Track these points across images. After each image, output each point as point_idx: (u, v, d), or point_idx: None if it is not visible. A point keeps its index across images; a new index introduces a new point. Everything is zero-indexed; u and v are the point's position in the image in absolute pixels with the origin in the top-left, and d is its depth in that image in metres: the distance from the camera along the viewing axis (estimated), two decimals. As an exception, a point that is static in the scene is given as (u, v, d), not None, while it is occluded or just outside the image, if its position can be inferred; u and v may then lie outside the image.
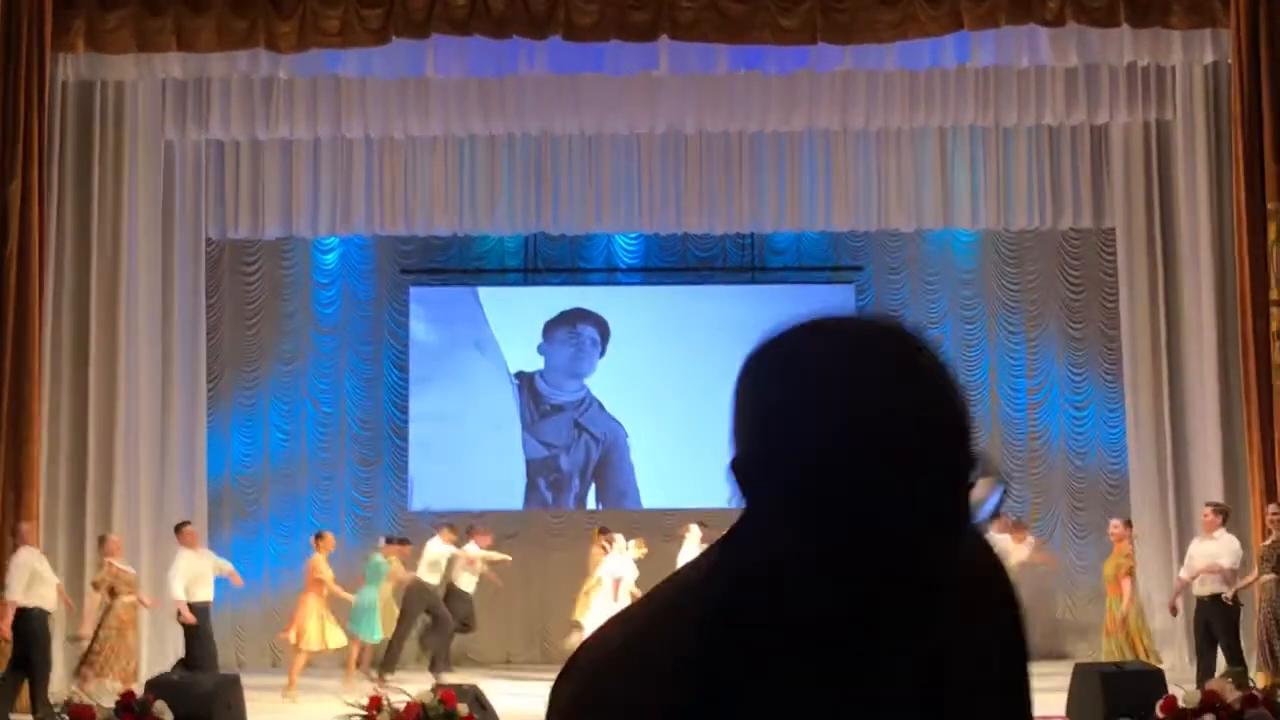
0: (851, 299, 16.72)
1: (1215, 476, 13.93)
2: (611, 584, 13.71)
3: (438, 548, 14.58)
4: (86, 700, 10.84)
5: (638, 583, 14.29)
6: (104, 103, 14.15)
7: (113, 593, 12.51)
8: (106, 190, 14.17)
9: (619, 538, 14.14)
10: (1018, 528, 14.31)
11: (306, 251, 16.84)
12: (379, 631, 14.34)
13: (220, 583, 15.35)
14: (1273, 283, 12.88)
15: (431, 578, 14.51)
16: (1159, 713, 10.19)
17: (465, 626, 14.88)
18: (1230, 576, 12.32)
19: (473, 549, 14.75)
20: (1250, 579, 12.12)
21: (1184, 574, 12.57)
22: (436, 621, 14.55)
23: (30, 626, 12.12)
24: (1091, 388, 16.56)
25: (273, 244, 16.50)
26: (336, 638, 13.91)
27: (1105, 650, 12.46)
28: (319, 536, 14.11)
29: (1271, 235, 12.89)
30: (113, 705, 10.63)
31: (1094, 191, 15.45)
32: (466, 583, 14.81)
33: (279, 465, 16.69)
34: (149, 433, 14.55)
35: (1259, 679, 11.03)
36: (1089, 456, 16.52)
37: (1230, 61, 13.21)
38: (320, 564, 13.86)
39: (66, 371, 13.93)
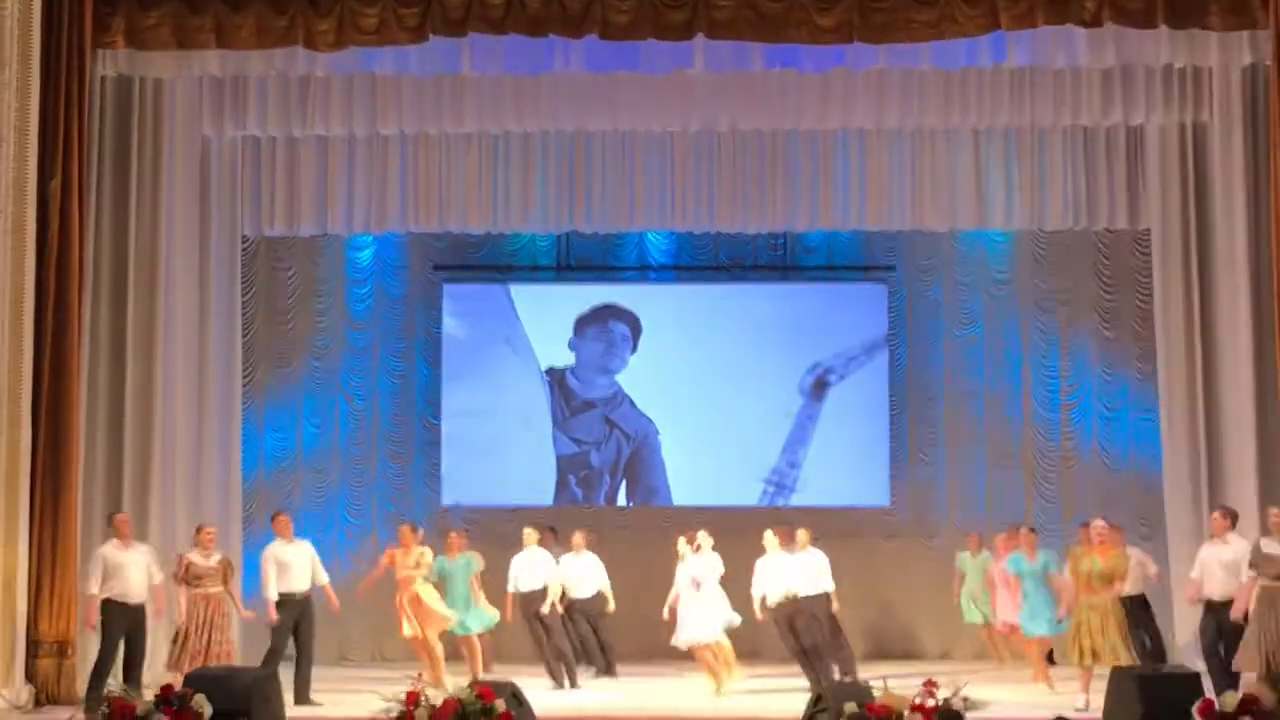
0: (884, 299, 16.72)
1: (1250, 479, 13.89)
2: (691, 584, 13.69)
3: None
4: (124, 694, 10.91)
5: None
6: (143, 99, 14.21)
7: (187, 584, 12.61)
8: (145, 186, 14.24)
9: (701, 536, 14.04)
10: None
11: (340, 248, 16.91)
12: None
13: (251, 579, 15.47)
14: (1309, 284, 12.83)
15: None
16: (1196, 716, 10.17)
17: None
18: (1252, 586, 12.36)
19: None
20: (1245, 589, 12.09)
21: (1204, 585, 12.51)
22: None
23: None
24: (1125, 390, 16.52)
25: (307, 241, 16.57)
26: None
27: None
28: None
29: (1308, 237, 12.83)
30: (152, 699, 10.69)
31: (1129, 193, 15.40)
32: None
33: (312, 460, 16.78)
34: (185, 427, 14.63)
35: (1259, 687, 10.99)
36: (1122, 459, 16.48)
37: (1269, 63, 13.14)
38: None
39: (104, 366, 14.02)
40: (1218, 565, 12.37)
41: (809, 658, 13.73)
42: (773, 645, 15.02)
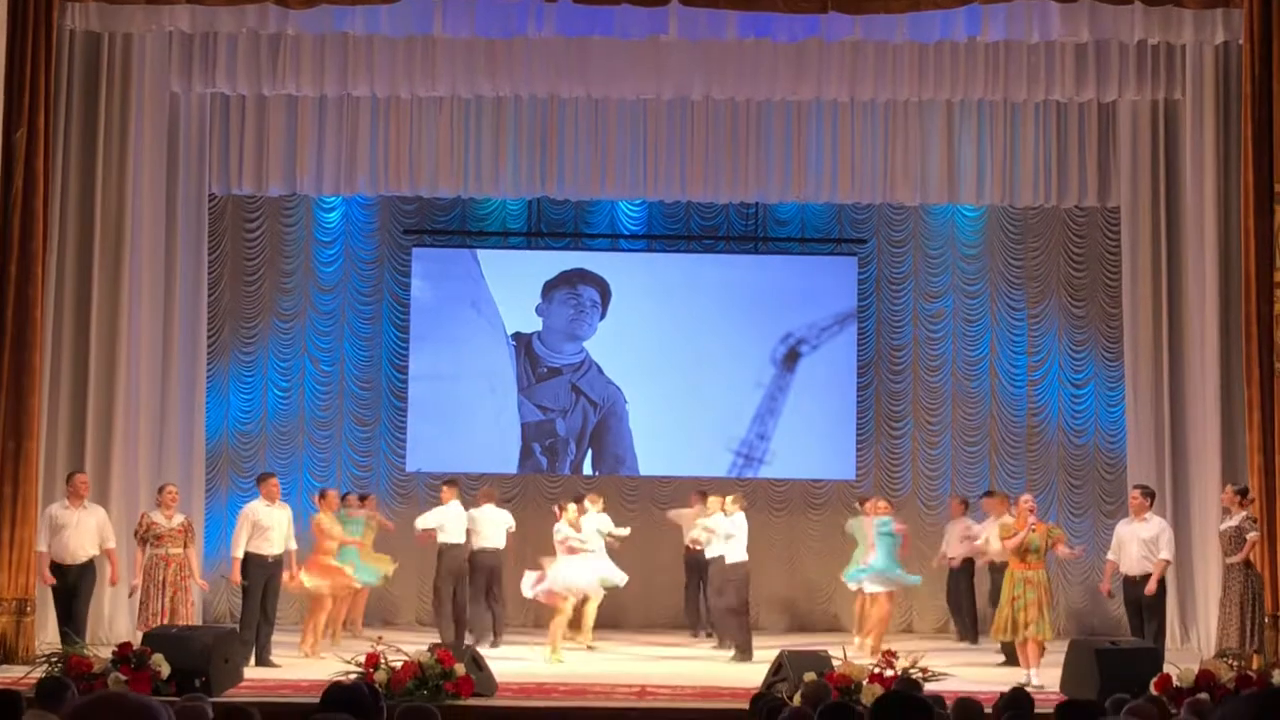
0: (855, 272, 16.71)
1: (1214, 457, 13.97)
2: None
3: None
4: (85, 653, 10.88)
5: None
6: (111, 53, 14.11)
7: (146, 543, 12.55)
8: (112, 142, 14.13)
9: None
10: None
11: (309, 209, 16.80)
12: None
13: (212, 541, 15.44)
14: (1277, 264, 12.86)
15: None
16: (1153, 690, 10.24)
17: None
18: (1164, 567, 12.69)
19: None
20: (1160, 566, 12.49)
21: (1121, 560, 12.70)
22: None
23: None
24: (1092, 366, 16.58)
25: (275, 201, 16.47)
26: None
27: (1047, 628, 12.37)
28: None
29: (1278, 217, 12.86)
30: (109, 657, 10.66)
31: (1100, 170, 15.45)
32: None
33: (277, 423, 16.69)
34: (149, 387, 14.55)
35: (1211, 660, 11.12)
36: (1087, 435, 16.55)
37: (1241, 42, 13.16)
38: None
39: (69, 322, 13.94)
40: (1135, 543, 12.59)
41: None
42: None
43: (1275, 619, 12.30)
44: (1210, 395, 14.11)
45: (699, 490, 15.29)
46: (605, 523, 14.60)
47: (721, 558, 13.95)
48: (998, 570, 13.57)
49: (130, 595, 12.72)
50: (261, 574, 12.98)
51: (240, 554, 12.94)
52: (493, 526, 14.37)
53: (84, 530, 12.49)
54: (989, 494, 14.95)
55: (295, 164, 15.38)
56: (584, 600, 14.18)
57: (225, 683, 10.81)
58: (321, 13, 13.25)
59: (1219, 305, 14.06)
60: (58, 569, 12.40)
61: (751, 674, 11.81)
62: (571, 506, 14.07)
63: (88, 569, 12.49)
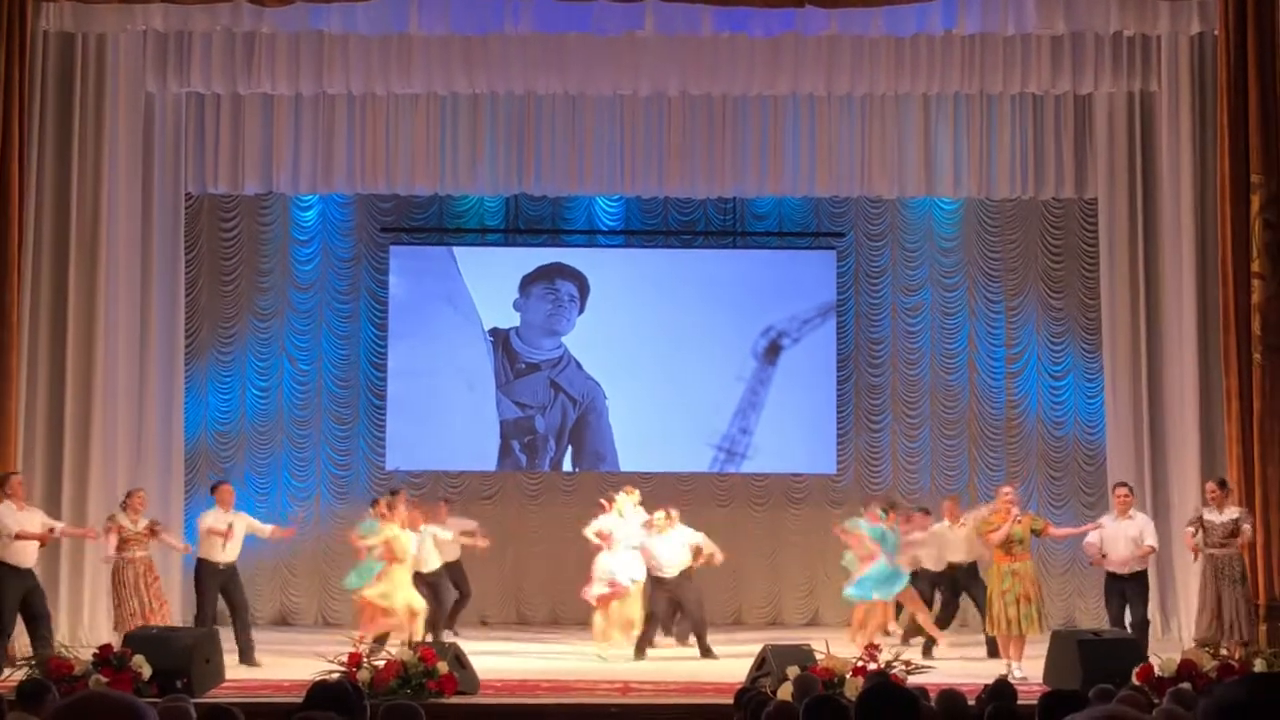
0: (833, 266, 16.72)
1: (1193, 448, 14.01)
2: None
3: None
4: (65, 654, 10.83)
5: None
6: (85, 54, 14.03)
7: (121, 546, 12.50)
8: (87, 142, 14.07)
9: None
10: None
11: (286, 208, 16.74)
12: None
13: (190, 541, 15.37)
14: (1255, 255, 12.92)
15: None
16: (1135, 680, 10.28)
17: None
18: (1149, 553, 12.89)
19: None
20: (1147, 551, 12.77)
21: (1107, 555, 12.80)
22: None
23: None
24: (1070, 358, 16.61)
25: (252, 200, 16.40)
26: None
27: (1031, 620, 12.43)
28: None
29: (1254, 207, 12.92)
30: (90, 659, 10.62)
31: (1077, 161, 15.47)
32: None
33: (256, 422, 16.63)
34: (127, 387, 14.48)
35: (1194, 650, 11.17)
36: (1066, 426, 16.58)
37: (1217, 32, 13.22)
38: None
39: (45, 323, 13.87)
40: (1123, 540, 12.67)
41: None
42: (714, 611, 15.11)
43: (1257, 608, 12.38)
44: (1189, 386, 14.15)
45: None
46: (693, 536, 14.11)
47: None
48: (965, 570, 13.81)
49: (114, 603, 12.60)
50: (215, 580, 13.07)
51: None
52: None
53: (35, 529, 12.37)
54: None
55: (272, 163, 15.32)
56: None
57: (207, 683, 10.79)
58: (297, 10, 13.23)
59: (1197, 296, 14.10)
60: (12, 571, 12.15)
61: (735, 670, 11.81)
62: (659, 515, 13.88)
63: (32, 572, 12.38)
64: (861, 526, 13.95)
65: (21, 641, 12.52)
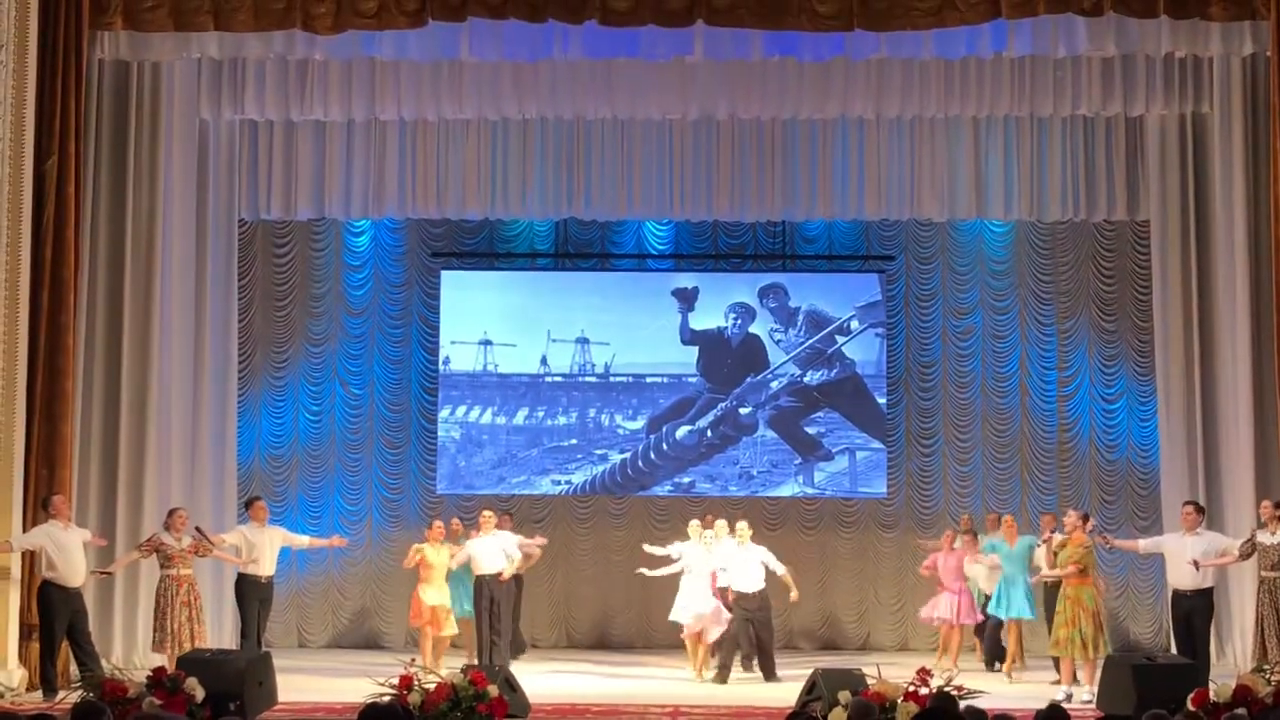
0: (882, 289, 16.67)
1: (1247, 470, 13.89)
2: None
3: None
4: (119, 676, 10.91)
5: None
6: (140, 81, 14.22)
7: (164, 564, 12.64)
8: (142, 169, 14.24)
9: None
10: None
11: (338, 234, 16.87)
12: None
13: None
14: (1308, 276, 12.81)
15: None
16: (1190, 705, 10.17)
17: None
18: (1214, 572, 12.82)
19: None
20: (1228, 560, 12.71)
21: (1169, 569, 12.75)
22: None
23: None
24: (1123, 381, 16.50)
25: (304, 226, 16.55)
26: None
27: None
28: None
29: (1308, 228, 12.80)
30: (143, 681, 10.68)
31: (1128, 184, 15.39)
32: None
33: (308, 446, 16.74)
34: (181, 411, 14.61)
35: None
36: (1119, 450, 16.46)
37: (1269, 54, 13.12)
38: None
39: (100, 349, 14.02)
40: (1187, 556, 12.49)
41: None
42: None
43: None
44: (1243, 408, 14.03)
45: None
46: (766, 555, 14.03)
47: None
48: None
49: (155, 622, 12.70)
50: (255, 595, 13.21)
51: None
52: (490, 554, 14.15)
53: (79, 550, 12.51)
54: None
55: (324, 188, 15.45)
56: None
57: (260, 705, 10.82)
58: (349, 38, 13.34)
59: (1250, 317, 13.99)
60: (60, 592, 12.30)
61: (786, 694, 11.77)
62: (742, 524, 13.98)
63: (79, 594, 12.51)
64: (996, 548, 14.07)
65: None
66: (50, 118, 12.86)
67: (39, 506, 12.53)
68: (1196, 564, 12.50)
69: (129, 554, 13.04)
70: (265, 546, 13.31)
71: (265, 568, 13.29)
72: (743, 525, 14.04)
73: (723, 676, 13.55)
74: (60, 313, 12.83)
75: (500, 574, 13.94)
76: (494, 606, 13.95)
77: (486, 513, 14.44)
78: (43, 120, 12.83)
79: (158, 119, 14.34)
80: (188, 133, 14.68)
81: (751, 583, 13.75)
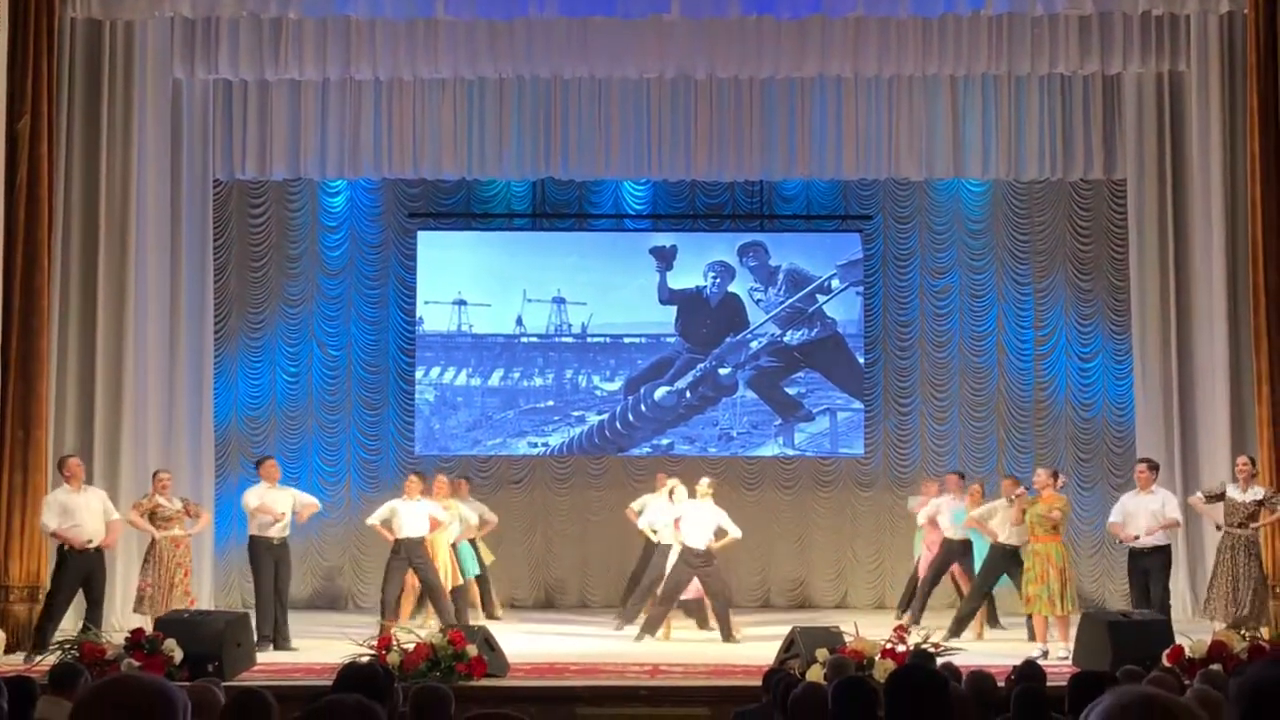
0: (860, 248, 16.68)
1: (1223, 430, 13.96)
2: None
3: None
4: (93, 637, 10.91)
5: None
6: (113, 41, 14.10)
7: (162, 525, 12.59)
8: (115, 129, 14.14)
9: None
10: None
11: (314, 194, 16.78)
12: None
13: (223, 525, 15.46)
14: (1286, 234, 12.85)
15: None
16: (1165, 661, 10.25)
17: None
18: (1173, 528, 12.90)
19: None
20: (1170, 523, 12.73)
21: (1127, 528, 12.73)
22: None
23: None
24: (1099, 340, 16.54)
25: (280, 186, 16.46)
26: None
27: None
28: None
29: (1285, 187, 12.84)
30: (122, 643, 10.69)
31: (1105, 142, 15.40)
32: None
33: (285, 408, 16.70)
34: (157, 372, 14.56)
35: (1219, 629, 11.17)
36: (1095, 409, 16.52)
37: (1246, 11, 13.13)
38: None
39: (75, 309, 13.95)
40: (1144, 515, 12.61)
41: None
42: (743, 593, 15.12)
43: (1272, 588, 12.39)
44: (1219, 367, 14.09)
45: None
46: (723, 518, 13.76)
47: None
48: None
49: (140, 595, 12.63)
50: (269, 556, 13.03)
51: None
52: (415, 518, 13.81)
53: (93, 513, 12.44)
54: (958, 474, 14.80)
55: (299, 148, 15.35)
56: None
57: (238, 666, 10.84)
58: (323, -4, 13.24)
59: (1226, 276, 14.03)
60: (74, 554, 12.30)
61: (763, 652, 11.82)
62: (704, 481, 13.86)
63: (99, 555, 12.46)
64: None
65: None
66: (22, 77, 12.75)
67: (12, 471, 12.49)
68: (1137, 538, 12.58)
69: (137, 519, 12.74)
70: (281, 506, 13.12)
71: (278, 529, 13.08)
72: (704, 482, 13.85)
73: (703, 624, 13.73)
74: (35, 273, 12.76)
75: (423, 539, 13.72)
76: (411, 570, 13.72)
77: (413, 478, 14.01)
78: (14, 80, 12.73)
79: (131, 78, 14.23)
80: (161, 92, 14.57)
81: (699, 539, 13.60)
